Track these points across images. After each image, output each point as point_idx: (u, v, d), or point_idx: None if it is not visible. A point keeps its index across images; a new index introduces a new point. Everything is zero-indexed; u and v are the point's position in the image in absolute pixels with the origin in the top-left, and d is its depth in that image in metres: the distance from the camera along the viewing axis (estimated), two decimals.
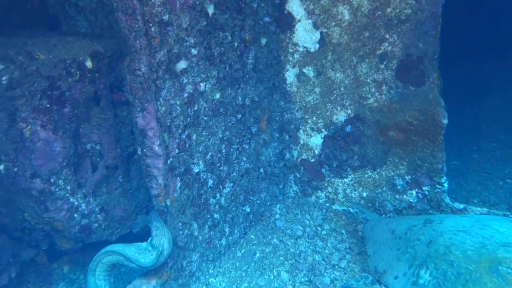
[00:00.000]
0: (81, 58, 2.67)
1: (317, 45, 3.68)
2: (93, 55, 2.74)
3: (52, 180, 2.69)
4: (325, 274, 3.12)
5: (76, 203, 2.87)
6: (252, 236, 3.63)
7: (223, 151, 3.30)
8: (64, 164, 2.73)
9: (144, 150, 2.73)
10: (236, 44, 3.19)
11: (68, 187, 2.80)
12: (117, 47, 2.94)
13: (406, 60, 3.30)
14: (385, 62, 3.40)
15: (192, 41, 2.76)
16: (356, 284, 2.94)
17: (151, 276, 2.87)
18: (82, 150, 2.95)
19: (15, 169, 2.58)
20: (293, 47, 3.78)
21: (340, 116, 3.76)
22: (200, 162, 3.08)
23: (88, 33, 3.28)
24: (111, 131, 3.03)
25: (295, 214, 3.84)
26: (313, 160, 4.02)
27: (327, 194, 4.02)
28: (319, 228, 3.63)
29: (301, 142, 4.03)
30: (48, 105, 2.56)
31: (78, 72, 2.66)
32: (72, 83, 2.65)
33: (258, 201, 3.85)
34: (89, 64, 2.73)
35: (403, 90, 3.37)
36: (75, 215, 2.88)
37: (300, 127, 3.98)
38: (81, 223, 2.93)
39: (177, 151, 2.85)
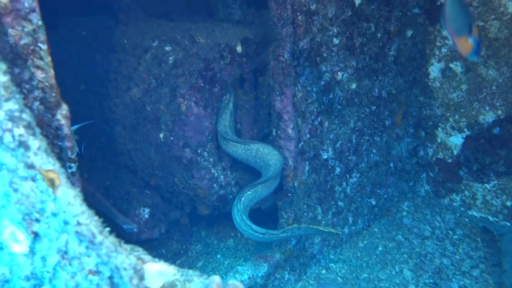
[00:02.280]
0: (233, 43, 2.94)
1: None
2: (243, 41, 2.99)
3: (199, 151, 3.04)
4: (453, 279, 2.97)
5: (216, 174, 3.19)
6: (375, 229, 3.61)
7: (354, 141, 3.33)
8: (210, 138, 3.06)
9: (279, 132, 2.91)
10: (379, 35, 3.17)
11: (211, 159, 3.13)
12: (264, 35, 3.16)
13: None
14: None
15: (335, 30, 2.84)
16: None
17: (276, 251, 3.07)
18: None
19: (171, 138, 2.99)
20: (441, 40, 3.60)
21: (488, 117, 3.47)
22: (330, 149, 3.16)
23: (240, 20, 3.58)
24: (251, 112, 3.28)
25: (425, 214, 3.69)
26: (450, 160, 3.80)
27: (463, 198, 3.76)
28: (450, 232, 3.44)
29: (439, 140, 3.83)
30: (202, 84, 2.90)
31: (229, 55, 2.94)
32: (223, 65, 2.94)
33: (385, 196, 3.79)
34: (239, 49, 2.99)
35: None
36: (215, 185, 3.21)
37: (439, 124, 3.79)
38: (218, 193, 3.26)
39: (308, 136, 2.98)
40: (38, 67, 1.65)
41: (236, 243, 3.70)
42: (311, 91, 2.89)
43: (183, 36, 3.03)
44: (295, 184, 3.01)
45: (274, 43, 2.70)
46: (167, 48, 3.05)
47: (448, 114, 3.71)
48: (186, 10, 4.23)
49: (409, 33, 3.44)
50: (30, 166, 1.00)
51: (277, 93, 2.79)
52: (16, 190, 1.01)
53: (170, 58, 2.98)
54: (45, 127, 1.73)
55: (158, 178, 3.25)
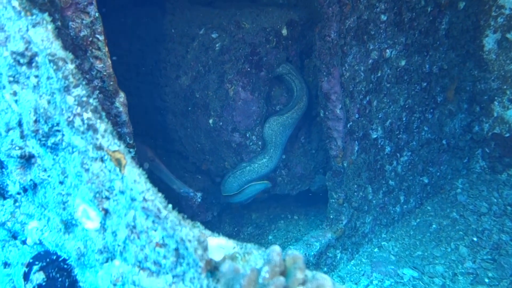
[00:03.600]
0: (278, 27, 2.95)
1: None
2: (289, 23, 3.00)
3: (247, 135, 3.10)
4: None
5: None
6: (428, 208, 3.54)
7: (404, 119, 3.27)
8: (258, 122, 3.11)
9: (327, 113, 2.89)
10: (429, 9, 3.06)
11: (260, 143, 3.17)
12: (309, 16, 3.14)
13: None
14: None
15: (382, 7, 2.78)
16: None
17: (327, 230, 3.10)
18: (272, 110, 3.30)
19: (221, 123, 3.07)
20: (497, 10, 3.43)
21: None
22: (379, 128, 3.12)
23: (284, 3, 3.57)
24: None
25: (481, 190, 3.57)
26: (507, 135, 3.64)
27: None
28: (509, 207, 3.32)
29: (495, 114, 3.68)
30: (248, 69, 2.94)
31: (275, 39, 2.96)
32: (269, 49, 2.97)
33: (438, 173, 3.70)
34: (284, 32, 3.00)
35: None
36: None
37: (496, 98, 3.63)
38: (268, 175, 3.31)
39: (357, 116, 2.95)
40: (96, 57, 1.75)
41: (287, 224, 3.76)
42: (359, 70, 2.86)
43: (228, 22, 3.07)
44: (345, 164, 3.00)
45: (320, 23, 2.68)
46: (214, 35, 3.10)
47: (505, 87, 3.54)
48: None
49: (462, 4, 3.30)
50: (99, 148, 1.09)
51: (324, 73, 2.77)
52: (87, 170, 1.10)
53: (217, 45, 3.03)
54: (105, 114, 1.84)
55: (208, 162, 3.35)
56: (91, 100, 1.09)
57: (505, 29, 3.42)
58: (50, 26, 1.07)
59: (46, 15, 1.08)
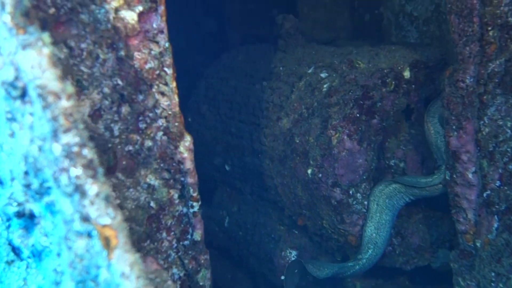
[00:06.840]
0: (399, 68, 2.58)
1: None
2: (413, 64, 2.61)
3: (351, 192, 2.68)
4: None
5: None
6: None
7: None
8: (364, 177, 2.67)
9: (454, 176, 2.38)
10: None
11: (365, 202, 2.71)
12: (441, 57, 2.70)
13: None
14: None
15: None
16: None
17: None
18: (385, 165, 2.84)
19: (320, 175, 2.69)
20: None
21: None
22: None
23: (415, 43, 3.20)
24: (419, 149, 2.80)
25: None
26: None
27: None
28: None
29: None
30: (357, 115, 2.57)
31: (393, 82, 2.58)
32: (385, 93, 2.58)
33: None
34: (406, 74, 2.60)
35: None
36: None
37: None
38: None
39: (498, 183, 2.37)
40: (162, 93, 1.54)
41: None
42: (504, 125, 2.30)
43: (341, 61, 2.80)
44: (478, 244, 2.41)
45: (452, 65, 2.22)
46: (323, 75, 2.85)
47: None
48: (353, 35, 4.06)
49: None
50: (86, 219, 0.79)
51: (453, 127, 2.27)
52: (69, 249, 0.80)
53: (325, 86, 2.76)
54: (168, 160, 1.60)
55: (305, 218, 2.99)
56: (85, 151, 0.80)
57: None
58: (46, 50, 0.81)
59: (45, 35, 0.83)
